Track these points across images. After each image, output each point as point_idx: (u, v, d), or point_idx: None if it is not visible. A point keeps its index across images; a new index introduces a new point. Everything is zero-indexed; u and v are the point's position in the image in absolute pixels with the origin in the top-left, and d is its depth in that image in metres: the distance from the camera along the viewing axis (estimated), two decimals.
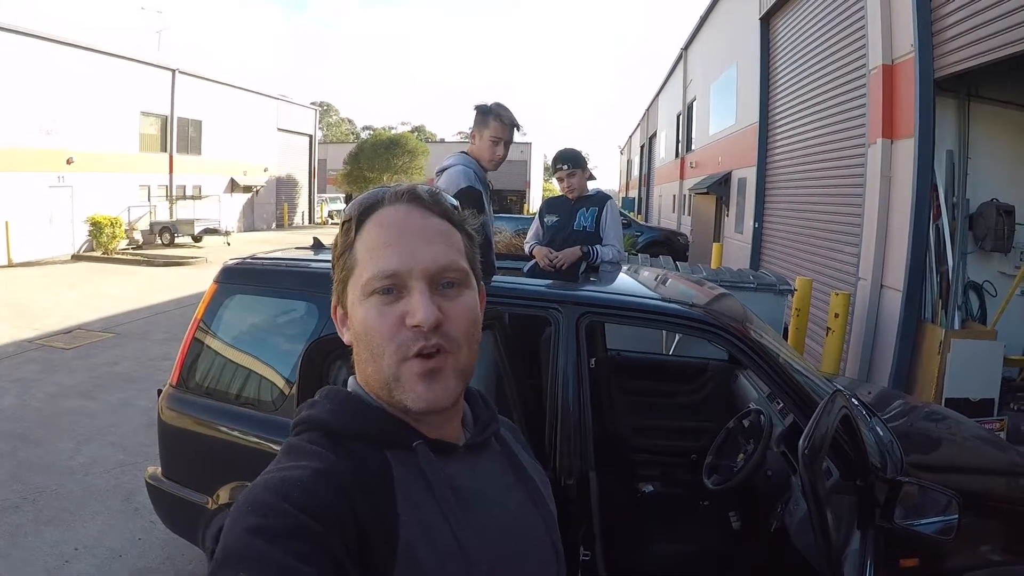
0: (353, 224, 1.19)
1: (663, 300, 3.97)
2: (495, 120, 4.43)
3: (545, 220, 5.57)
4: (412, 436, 1.16)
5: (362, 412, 1.18)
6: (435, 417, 1.19)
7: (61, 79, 26.05)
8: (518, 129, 4.52)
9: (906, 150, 8.62)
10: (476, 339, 1.21)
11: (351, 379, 1.26)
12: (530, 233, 5.77)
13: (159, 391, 4.44)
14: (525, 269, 5.26)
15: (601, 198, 5.48)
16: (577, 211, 5.38)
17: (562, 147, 5.55)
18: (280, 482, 1.01)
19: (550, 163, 5.74)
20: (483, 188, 4.40)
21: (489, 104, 4.50)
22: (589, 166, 5.66)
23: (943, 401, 7.48)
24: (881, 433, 3.91)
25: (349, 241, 1.19)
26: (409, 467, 1.13)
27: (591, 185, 5.63)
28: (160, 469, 4.37)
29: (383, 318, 1.14)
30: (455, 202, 1.25)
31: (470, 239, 1.27)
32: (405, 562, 1.03)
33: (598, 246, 5.20)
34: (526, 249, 5.58)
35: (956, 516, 3.03)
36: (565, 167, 5.37)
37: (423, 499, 1.11)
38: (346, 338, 1.22)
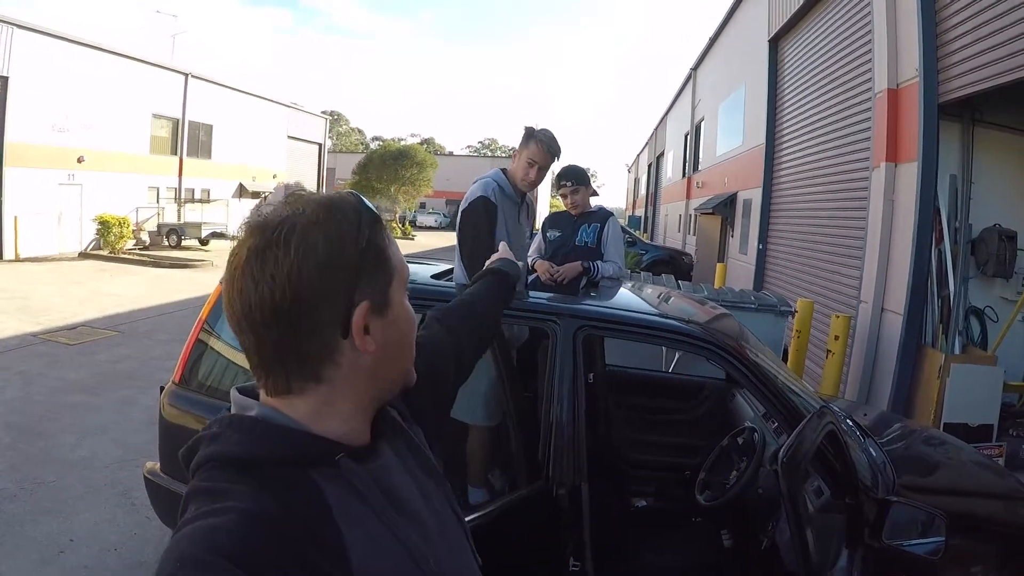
0: (384, 229, 1.22)
1: (660, 316, 4.01)
2: (535, 143, 4.51)
3: (547, 235, 5.59)
4: (333, 449, 1.13)
5: (280, 437, 1.11)
6: (364, 423, 1.22)
7: (75, 78, 26.26)
8: (557, 157, 4.60)
9: (909, 174, 8.64)
10: None
11: (244, 400, 1.18)
12: (532, 247, 5.78)
13: (161, 388, 4.47)
14: (527, 282, 5.29)
15: (603, 214, 5.51)
16: (579, 227, 5.40)
17: (567, 164, 5.58)
18: (207, 531, 0.95)
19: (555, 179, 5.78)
20: (501, 203, 4.49)
21: (536, 128, 4.59)
22: (595, 184, 5.69)
23: (942, 426, 7.48)
24: (874, 454, 3.93)
25: (383, 245, 1.19)
26: (337, 481, 1.10)
27: (594, 202, 5.66)
28: (159, 464, 4.40)
29: (414, 312, 1.28)
30: None
31: None
32: None
33: (599, 262, 5.22)
34: (528, 263, 5.62)
35: (943, 537, 3.06)
36: (569, 184, 5.40)
37: (360, 511, 1.09)
38: (370, 346, 1.15)
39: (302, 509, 1.03)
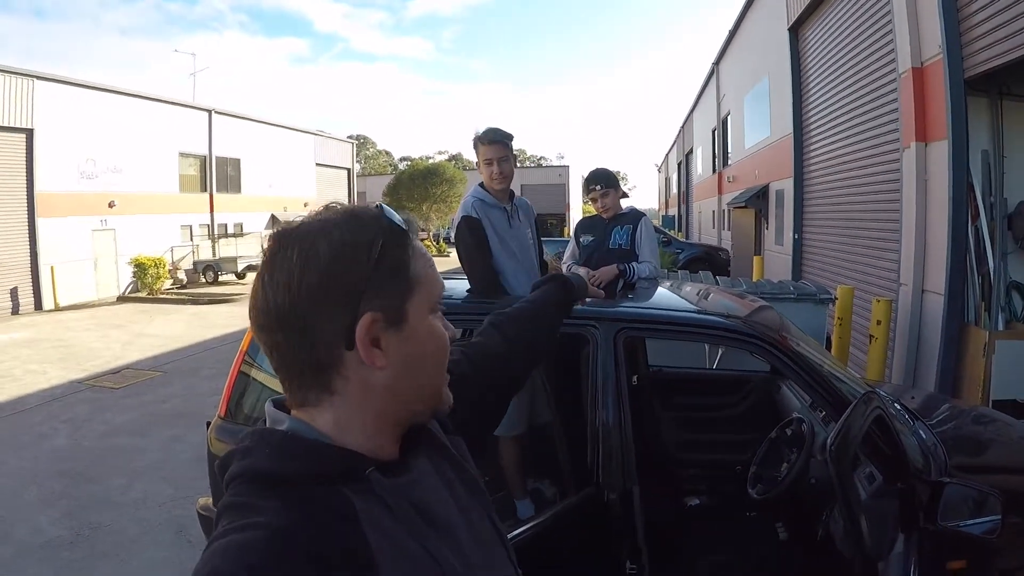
0: (408, 241, 1.20)
1: (699, 312, 3.98)
2: (482, 144, 4.56)
3: (580, 240, 5.57)
4: (364, 464, 1.11)
5: (310, 451, 1.10)
6: (391, 439, 1.20)
7: (99, 124, 26.79)
8: (508, 140, 4.61)
9: (940, 152, 8.57)
10: None
11: (277, 413, 1.17)
12: (566, 254, 5.78)
13: (208, 423, 4.49)
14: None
15: (635, 215, 5.48)
16: (611, 230, 5.38)
17: (594, 168, 5.57)
18: (237, 548, 0.95)
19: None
20: (485, 214, 4.54)
21: (478, 133, 4.64)
22: (627, 187, 5.67)
23: (990, 403, 7.40)
24: (924, 436, 3.88)
25: (406, 258, 1.17)
26: (366, 496, 1.08)
27: (624, 203, 5.64)
28: (211, 499, 4.41)
29: (445, 329, 1.23)
30: None
31: None
32: None
33: (634, 263, 5.19)
34: (563, 270, 5.60)
35: (999, 516, 3.01)
36: (598, 187, 5.39)
37: (390, 525, 1.07)
38: (380, 361, 1.13)
39: (331, 524, 1.02)
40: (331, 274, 1.08)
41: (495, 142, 4.55)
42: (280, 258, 1.09)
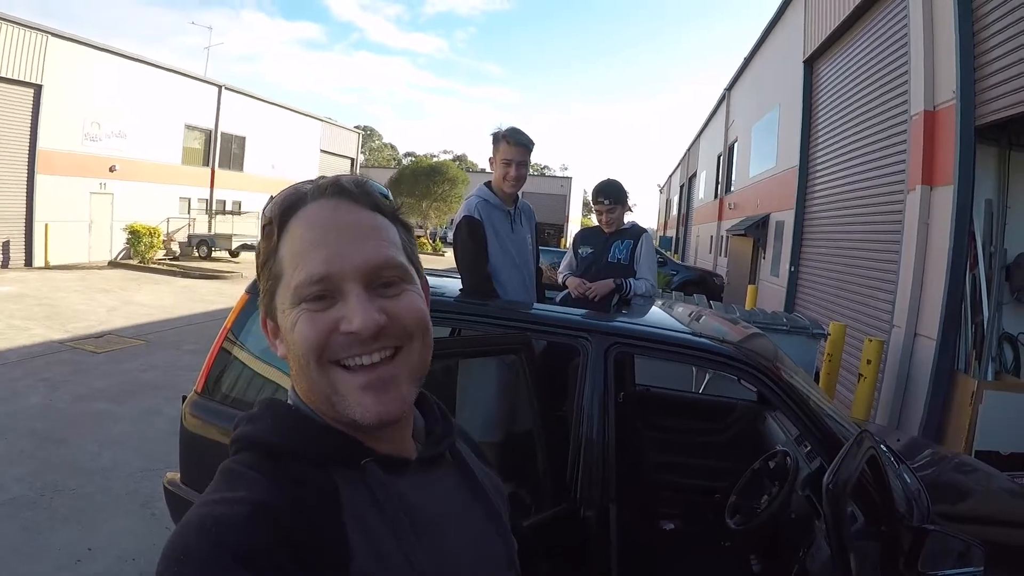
0: (275, 227, 1.09)
1: (694, 334, 3.93)
2: (504, 143, 4.52)
3: (579, 252, 5.53)
4: (360, 452, 1.06)
5: (303, 428, 1.07)
6: (387, 429, 1.09)
7: (108, 88, 26.70)
8: (530, 147, 4.57)
9: (945, 198, 8.56)
10: (428, 341, 1.12)
11: (291, 390, 1.14)
12: (563, 264, 5.73)
13: (184, 397, 4.43)
14: (557, 299, 5.22)
15: (637, 231, 5.44)
16: (612, 243, 5.34)
17: (604, 179, 5.51)
18: (215, 523, 0.91)
19: (591, 196, 5.70)
20: (488, 215, 4.51)
21: (502, 130, 4.58)
22: (628, 203, 5.61)
23: (973, 453, 7.39)
24: (909, 481, 3.84)
25: (272, 246, 1.09)
26: (357, 486, 1.03)
27: (626, 219, 5.59)
28: (179, 475, 4.35)
29: (312, 325, 1.03)
30: (385, 191, 1.15)
31: (407, 231, 1.17)
32: None
33: (631, 279, 5.16)
34: (559, 280, 5.56)
35: (981, 568, 2.97)
36: (606, 202, 5.33)
37: (374, 522, 1.02)
38: (280, 351, 1.09)
39: (313, 509, 0.98)
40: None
41: (520, 144, 4.53)
42: None
